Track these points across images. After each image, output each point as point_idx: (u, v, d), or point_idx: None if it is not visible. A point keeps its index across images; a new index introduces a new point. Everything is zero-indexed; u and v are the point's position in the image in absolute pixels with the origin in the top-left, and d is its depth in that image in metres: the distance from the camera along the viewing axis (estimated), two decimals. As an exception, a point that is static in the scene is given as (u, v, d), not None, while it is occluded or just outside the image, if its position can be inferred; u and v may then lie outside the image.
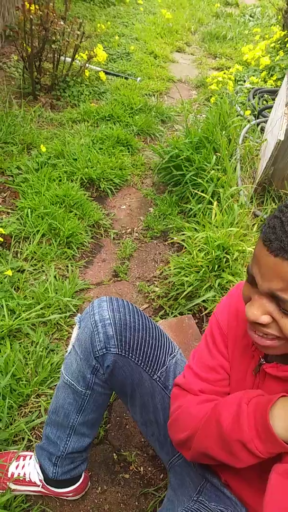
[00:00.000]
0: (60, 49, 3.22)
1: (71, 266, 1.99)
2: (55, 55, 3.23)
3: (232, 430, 0.72)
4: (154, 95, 3.94)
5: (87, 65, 3.56)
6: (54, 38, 3.12)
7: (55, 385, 1.40)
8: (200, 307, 1.80)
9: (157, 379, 1.02)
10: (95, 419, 1.11)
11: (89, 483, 1.24)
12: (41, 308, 1.70)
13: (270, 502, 0.62)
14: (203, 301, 1.75)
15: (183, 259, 1.91)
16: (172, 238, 2.22)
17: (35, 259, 1.95)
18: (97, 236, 2.26)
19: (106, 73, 3.93)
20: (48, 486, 1.14)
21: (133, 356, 0.98)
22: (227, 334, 0.89)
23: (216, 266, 1.78)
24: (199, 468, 0.95)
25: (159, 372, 1.03)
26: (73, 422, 1.07)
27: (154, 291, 1.94)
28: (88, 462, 1.19)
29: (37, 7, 2.97)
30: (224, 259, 1.79)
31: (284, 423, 0.65)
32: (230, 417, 0.73)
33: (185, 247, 2.04)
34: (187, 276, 1.81)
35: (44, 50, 3.21)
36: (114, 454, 1.33)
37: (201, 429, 0.80)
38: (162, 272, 2.04)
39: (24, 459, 1.18)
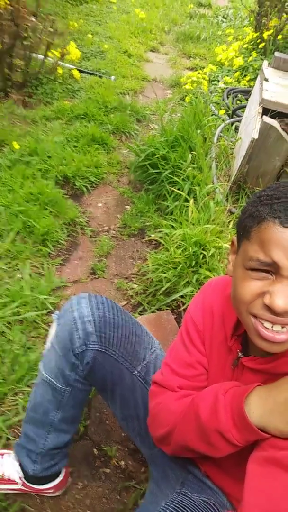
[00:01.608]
0: (32, 45, 3.18)
1: (47, 264, 1.97)
2: (27, 51, 3.19)
3: (209, 421, 0.73)
4: (128, 94, 3.94)
5: (60, 62, 3.53)
6: (25, 35, 3.08)
7: (33, 383, 1.39)
8: (178, 303, 1.82)
9: (138, 374, 1.03)
10: (75, 416, 1.10)
11: (70, 478, 1.23)
12: (16, 306, 1.67)
13: (248, 491, 0.63)
14: (181, 296, 1.77)
15: (160, 256, 1.93)
16: (150, 236, 2.24)
17: (9, 257, 1.92)
18: (73, 234, 2.25)
19: (80, 71, 3.91)
20: (28, 484, 1.13)
21: (113, 352, 0.98)
22: (202, 331, 0.89)
23: (194, 262, 1.80)
24: (180, 460, 0.97)
25: (140, 367, 1.03)
26: (52, 419, 1.06)
27: (132, 288, 1.95)
28: (68, 458, 1.18)
29: (7, 2, 2.92)
30: (201, 255, 1.81)
31: (259, 411, 0.67)
32: (207, 408, 0.75)
33: (163, 244, 2.06)
34: (165, 273, 1.83)
35: (15, 47, 3.16)
36: (95, 449, 1.33)
37: (180, 422, 0.81)
38: (140, 269, 2.05)
39: (2, 457, 1.17)
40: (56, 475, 1.16)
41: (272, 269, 0.64)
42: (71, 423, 1.11)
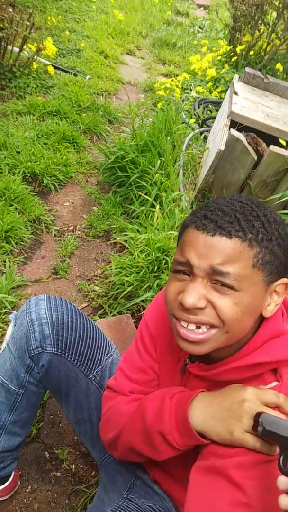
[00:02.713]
0: (7, 37, 3.11)
1: (9, 261, 1.93)
2: (2, 43, 3.12)
3: (154, 422, 0.75)
4: (102, 95, 3.93)
5: (35, 57, 3.47)
6: (1, 25, 3.01)
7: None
8: (139, 307, 1.83)
9: (93, 378, 1.03)
10: (27, 418, 1.09)
11: (19, 482, 1.21)
12: (-26, 304, 1.64)
13: (190, 500, 0.66)
14: (142, 301, 1.79)
15: (124, 259, 1.94)
16: (115, 238, 2.24)
17: None
18: (38, 232, 2.22)
19: (55, 67, 3.86)
20: (-26, 487, 1.11)
21: (69, 356, 0.98)
22: (155, 336, 0.91)
23: (156, 267, 1.82)
24: (129, 465, 0.98)
25: (95, 371, 1.04)
26: (4, 421, 1.05)
27: (94, 290, 1.95)
28: (18, 461, 1.16)
29: (-16, -9, 2.85)
30: (164, 261, 1.84)
31: (201, 415, 0.70)
32: (153, 410, 0.77)
33: (127, 248, 2.07)
34: (127, 276, 1.84)
35: (-10, 37, 3.08)
36: (46, 453, 1.32)
37: (127, 424, 0.83)
38: (103, 271, 2.05)
39: None
40: (5, 478, 1.14)
41: (188, 269, 0.69)
42: (24, 426, 1.09)
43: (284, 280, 0.71)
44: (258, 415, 0.63)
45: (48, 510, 1.19)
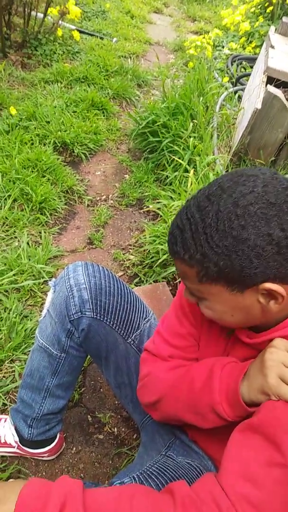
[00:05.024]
0: (31, 2, 3.03)
1: (44, 232, 1.95)
2: (26, 9, 3.05)
3: (202, 392, 0.75)
4: (130, 58, 3.81)
5: (60, 22, 3.38)
6: (24, -10, 2.93)
7: (29, 350, 1.40)
8: (174, 275, 1.81)
9: (131, 342, 1.04)
10: (70, 382, 1.12)
11: (64, 443, 1.26)
12: (14, 275, 1.67)
13: (226, 457, 0.65)
14: (178, 268, 1.76)
15: (158, 227, 1.91)
16: (148, 206, 2.21)
17: (6, 225, 1.90)
18: (71, 202, 2.22)
19: (80, 32, 3.75)
20: (23, 447, 1.16)
21: (108, 320, 0.99)
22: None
23: (191, 234, 1.78)
24: (168, 425, 0.99)
25: (134, 335, 1.04)
26: (48, 384, 1.08)
27: (129, 259, 1.94)
28: (63, 423, 1.21)
29: None
30: (199, 227, 1.79)
31: (246, 384, 0.69)
32: (202, 379, 0.76)
33: (161, 216, 2.03)
34: (162, 244, 1.81)
35: (14, 3, 3.01)
36: (89, 416, 1.36)
37: (171, 391, 0.83)
38: (138, 240, 2.04)
39: (-2, 422, 1.19)
40: (51, 440, 1.18)
41: None
42: (66, 389, 1.12)
43: (265, 285, 0.63)
44: None
45: (93, 470, 1.24)
